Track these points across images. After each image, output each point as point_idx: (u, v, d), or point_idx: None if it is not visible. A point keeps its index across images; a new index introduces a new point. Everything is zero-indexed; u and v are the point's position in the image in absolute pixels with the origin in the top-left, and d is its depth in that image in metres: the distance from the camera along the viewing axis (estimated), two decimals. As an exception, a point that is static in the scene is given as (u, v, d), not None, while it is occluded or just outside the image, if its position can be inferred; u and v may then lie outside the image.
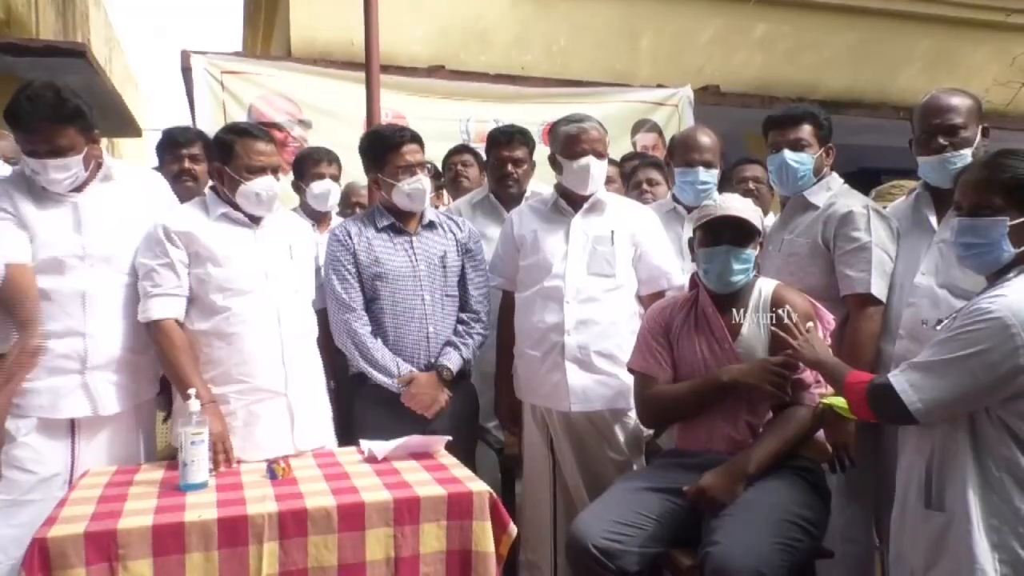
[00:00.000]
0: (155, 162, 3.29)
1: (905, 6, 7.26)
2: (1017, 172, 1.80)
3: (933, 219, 2.45)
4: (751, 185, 3.54)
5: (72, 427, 2.32)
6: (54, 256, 2.27)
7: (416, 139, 2.73)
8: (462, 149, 4.06)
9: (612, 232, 2.76)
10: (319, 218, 3.48)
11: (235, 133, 2.49)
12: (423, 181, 2.68)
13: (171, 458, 2.31)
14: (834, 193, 2.64)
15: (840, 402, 2.07)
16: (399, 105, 5.07)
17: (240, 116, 4.79)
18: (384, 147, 2.71)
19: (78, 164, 2.28)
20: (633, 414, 2.68)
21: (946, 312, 2.14)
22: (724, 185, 3.32)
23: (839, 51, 7.23)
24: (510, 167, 3.27)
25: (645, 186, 3.57)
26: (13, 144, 3.18)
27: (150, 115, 12.32)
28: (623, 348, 2.62)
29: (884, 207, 2.71)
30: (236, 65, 5.08)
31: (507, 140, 3.28)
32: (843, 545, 2.52)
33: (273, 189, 2.45)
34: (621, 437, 2.76)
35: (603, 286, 2.73)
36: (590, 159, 2.73)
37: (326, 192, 3.44)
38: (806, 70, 7.18)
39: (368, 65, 3.50)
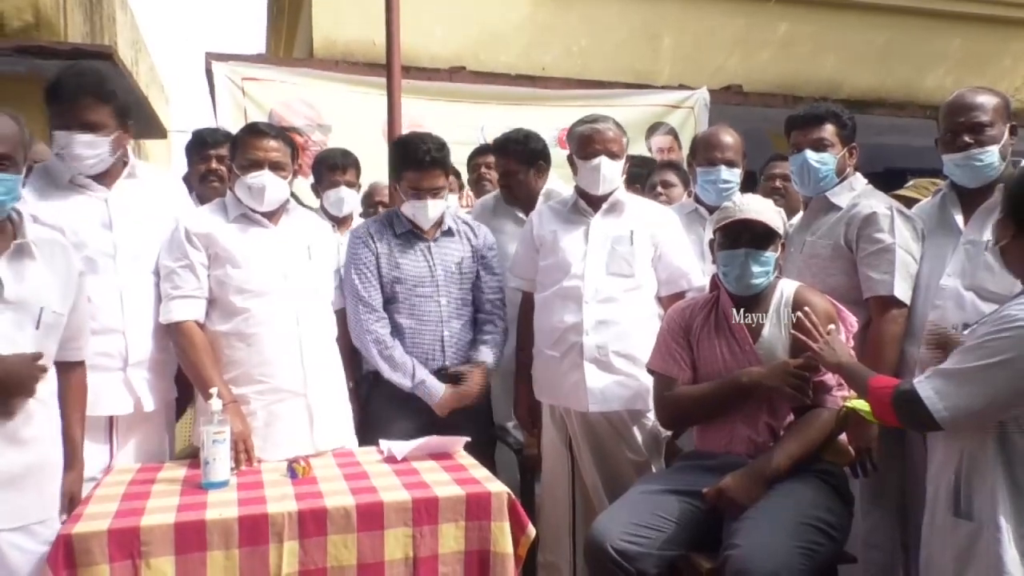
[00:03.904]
0: (180, 163, 3.34)
1: (932, 4, 7.14)
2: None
3: (959, 219, 2.39)
4: (778, 183, 3.51)
5: (110, 427, 2.34)
6: (87, 256, 2.24)
7: (438, 163, 2.68)
8: (486, 150, 4.05)
9: (631, 232, 2.75)
10: (339, 220, 3.50)
11: (244, 131, 2.54)
12: (429, 206, 2.68)
13: (192, 456, 2.33)
14: (857, 194, 2.60)
15: (863, 405, 2.03)
16: (417, 111, 5.06)
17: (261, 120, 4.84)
18: (404, 163, 2.72)
19: (105, 145, 2.26)
20: (652, 415, 2.67)
21: (972, 315, 2.11)
22: (753, 182, 3.29)
23: (864, 50, 7.13)
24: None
25: (659, 188, 3.55)
26: (46, 148, 3.24)
27: (175, 116, 12.45)
28: (642, 349, 2.60)
29: (918, 199, 2.65)
30: (257, 72, 5.14)
31: (498, 149, 3.34)
32: (866, 551, 2.49)
33: (263, 182, 2.41)
34: (640, 438, 2.75)
35: (622, 286, 2.72)
36: (602, 159, 2.72)
37: (340, 200, 3.46)
38: (830, 69, 7.08)
39: (389, 67, 3.51)
